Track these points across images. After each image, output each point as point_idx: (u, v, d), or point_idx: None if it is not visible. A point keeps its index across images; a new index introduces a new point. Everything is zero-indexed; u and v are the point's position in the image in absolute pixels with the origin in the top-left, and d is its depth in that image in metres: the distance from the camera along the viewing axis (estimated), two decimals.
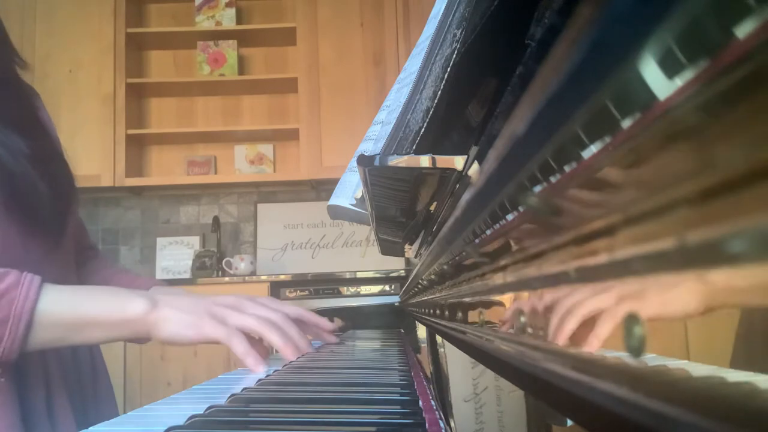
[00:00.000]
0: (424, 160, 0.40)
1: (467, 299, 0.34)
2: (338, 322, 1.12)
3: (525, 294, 0.21)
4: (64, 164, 0.84)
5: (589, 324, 0.15)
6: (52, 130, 0.86)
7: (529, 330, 0.20)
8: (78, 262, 0.89)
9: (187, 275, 2.83)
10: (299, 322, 0.84)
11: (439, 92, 0.44)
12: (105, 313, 0.68)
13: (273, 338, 0.73)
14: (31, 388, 0.71)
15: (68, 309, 0.66)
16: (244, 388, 0.54)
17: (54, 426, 0.72)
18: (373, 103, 2.76)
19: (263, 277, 2.57)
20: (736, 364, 0.09)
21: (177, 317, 0.70)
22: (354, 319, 1.59)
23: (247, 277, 2.57)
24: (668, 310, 0.11)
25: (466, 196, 0.26)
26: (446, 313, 0.46)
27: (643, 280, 0.12)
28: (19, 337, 0.63)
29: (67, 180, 0.83)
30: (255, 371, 0.70)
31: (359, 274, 2.57)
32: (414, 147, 0.44)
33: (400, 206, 0.59)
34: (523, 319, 0.21)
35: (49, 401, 0.73)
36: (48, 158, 0.79)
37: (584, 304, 0.15)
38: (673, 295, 0.10)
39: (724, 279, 0.09)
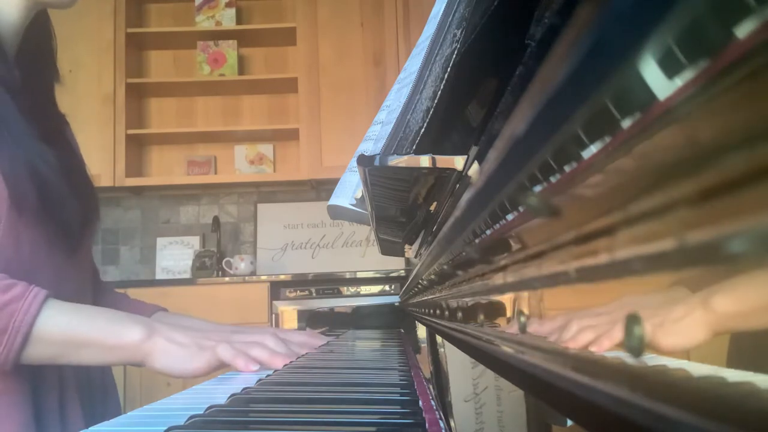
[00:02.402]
0: (424, 160, 0.40)
1: (467, 299, 0.34)
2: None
3: (525, 294, 0.21)
4: (89, 182, 0.88)
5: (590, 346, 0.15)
6: (79, 154, 0.91)
7: (529, 330, 0.20)
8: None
9: (187, 275, 2.83)
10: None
11: (439, 92, 0.44)
12: (102, 335, 0.68)
13: (259, 356, 0.74)
14: (45, 387, 0.72)
15: (67, 327, 0.67)
16: (244, 388, 0.54)
17: (65, 426, 0.73)
18: (373, 103, 2.76)
19: (263, 277, 2.57)
20: (733, 364, 0.09)
21: (171, 350, 0.70)
22: (354, 319, 1.59)
23: (247, 277, 2.57)
24: (674, 341, 0.11)
25: (466, 196, 0.26)
26: (446, 313, 0.46)
27: (644, 283, 0.12)
28: (15, 350, 0.63)
29: (91, 197, 0.86)
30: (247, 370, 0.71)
31: (359, 274, 2.56)
32: (414, 147, 0.44)
33: (400, 206, 0.59)
34: (523, 319, 0.21)
35: (62, 401, 0.74)
36: (74, 172, 0.83)
37: (587, 333, 0.15)
38: (680, 327, 0.10)
39: (727, 306, 0.09)
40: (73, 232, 0.78)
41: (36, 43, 0.83)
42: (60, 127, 0.88)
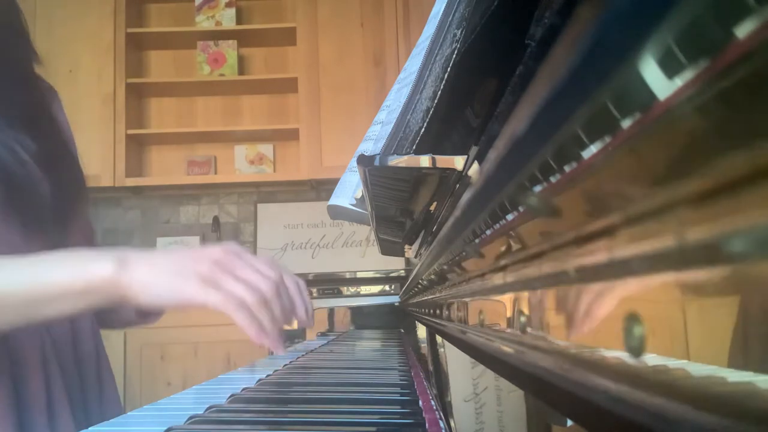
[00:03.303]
0: (424, 160, 0.40)
1: (467, 299, 0.34)
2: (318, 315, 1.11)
3: (525, 294, 0.21)
4: (75, 165, 0.81)
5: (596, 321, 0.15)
6: (67, 131, 0.84)
7: (529, 330, 0.20)
8: None
9: None
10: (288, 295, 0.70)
11: (439, 92, 0.44)
12: (68, 281, 0.59)
13: (242, 321, 0.61)
14: (28, 394, 0.68)
15: (26, 283, 0.58)
16: (244, 388, 0.54)
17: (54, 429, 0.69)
18: (373, 103, 2.76)
19: None
20: (733, 363, 0.09)
21: (158, 278, 0.60)
22: (354, 319, 1.60)
23: None
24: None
25: (466, 196, 0.26)
26: (446, 313, 0.46)
27: (644, 283, 0.12)
28: None
29: (75, 181, 0.79)
30: (258, 343, 0.59)
31: (359, 274, 2.56)
32: (414, 147, 0.44)
33: (400, 206, 0.59)
34: (522, 319, 0.21)
35: (50, 401, 0.71)
36: (56, 158, 0.75)
37: (594, 302, 0.15)
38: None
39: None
40: (51, 225, 0.72)
41: (3, 21, 0.78)
42: (42, 107, 0.79)
